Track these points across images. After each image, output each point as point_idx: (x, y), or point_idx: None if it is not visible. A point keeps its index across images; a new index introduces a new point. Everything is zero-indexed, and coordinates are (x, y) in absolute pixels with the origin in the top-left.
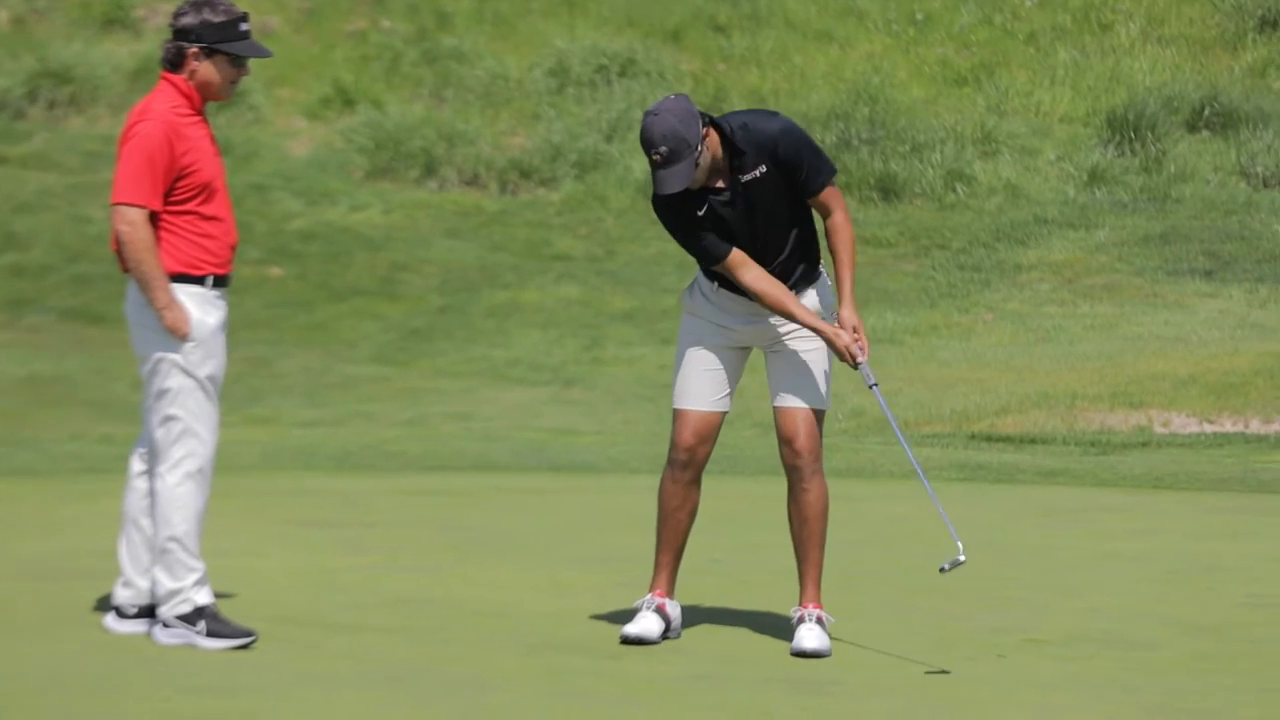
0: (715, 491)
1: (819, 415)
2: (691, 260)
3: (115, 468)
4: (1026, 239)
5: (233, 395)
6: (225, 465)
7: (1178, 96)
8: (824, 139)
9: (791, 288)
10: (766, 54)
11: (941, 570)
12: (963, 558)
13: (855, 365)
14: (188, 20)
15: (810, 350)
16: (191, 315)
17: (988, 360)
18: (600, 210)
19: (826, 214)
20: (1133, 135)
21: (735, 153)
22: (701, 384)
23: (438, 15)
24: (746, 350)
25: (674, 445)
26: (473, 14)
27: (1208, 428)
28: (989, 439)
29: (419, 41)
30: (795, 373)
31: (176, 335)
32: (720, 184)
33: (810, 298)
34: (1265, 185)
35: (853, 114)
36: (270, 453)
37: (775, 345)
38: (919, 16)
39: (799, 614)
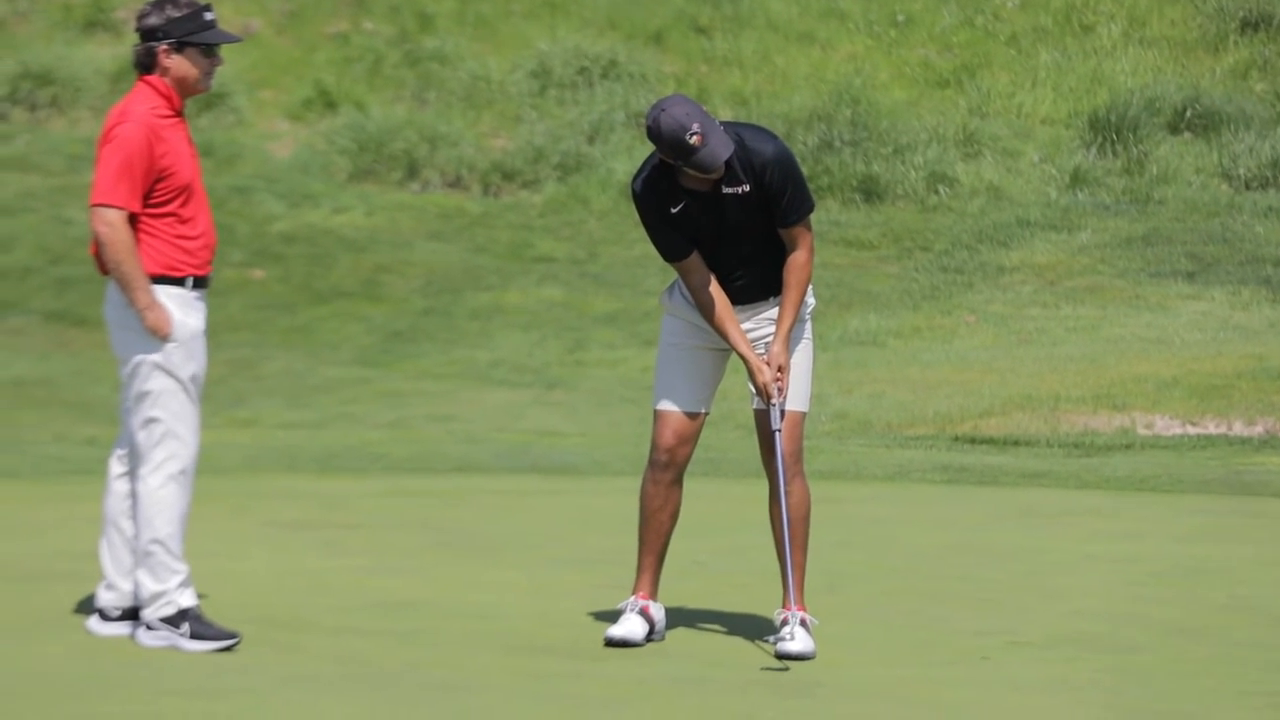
0: (698, 493)
1: (800, 418)
2: None
3: (98, 469)
4: (1009, 241)
5: (215, 397)
6: (208, 467)
7: (1159, 98)
8: (806, 141)
9: (750, 303)
10: (748, 55)
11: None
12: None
13: (768, 404)
14: (152, 20)
15: (791, 352)
16: (173, 316)
17: (971, 362)
18: (583, 212)
19: (792, 249)
20: (1114, 137)
21: (730, 157)
22: (682, 385)
23: (419, 17)
24: (727, 352)
25: (654, 446)
26: (455, 16)
27: (1191, 430)
28: (972, 441)
29: (401, 43)
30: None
31: (158, 336)
32: (703, 188)
33: (774, 307)
34: (1247, 187)
35: (835, 116)
36: (253, 455)
37: (755, 348)
38: (900, 18)
39: (783, 616)
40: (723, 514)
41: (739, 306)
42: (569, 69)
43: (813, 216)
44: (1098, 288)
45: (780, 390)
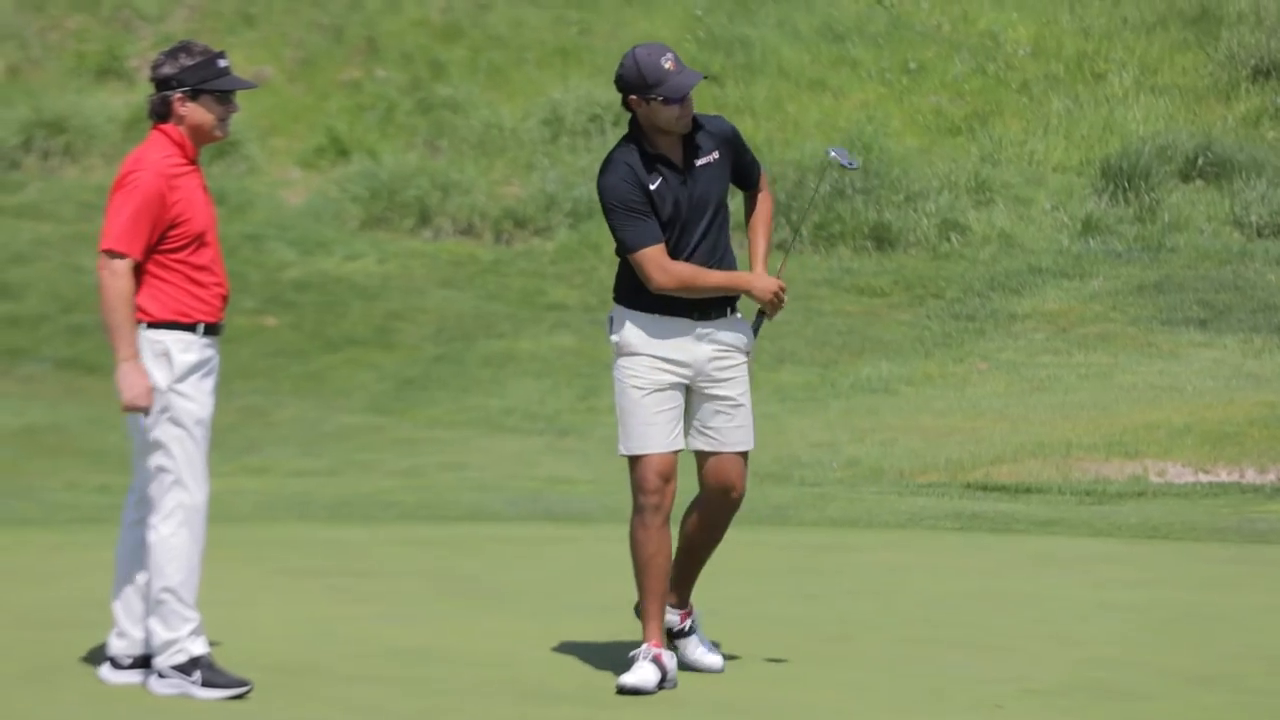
0: None
1: (747, 457)
2: None
3: (110, 517)
4: (1021, 288)
5: (227, 445)
6: (220, 515)
7: (1171, 146)
8: (818, 188)
9: (716, 317)
10: (760, 103)
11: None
12: (854, 164)
13: (771, 317)
14: (167, 69)
15: (742, 392)
16: (151, 390)
17: (983, 409)
18: (594, 259)
19: (756, 197)
20: (1126, 185)
21: (694, 130)
22: (658, 425)
23: (432, 65)
24: (685, 385)
25: (641, 491)
26: (467, 64)
27: (1203, 477)
28: (984, 488)
29: (413, 91)
30: (733, 418)
31: (125, 398)
32: (674, 155)
33: (743, 328)
34: (1259, 235)
35: None
36: (265, 502)
37: (710, 385)
38: (912, 66)
39: (689, 625)
40: (733, 561)
41: (704, 322)
42: (581, 116)
43: (824, 264)
44: (1110, 335)
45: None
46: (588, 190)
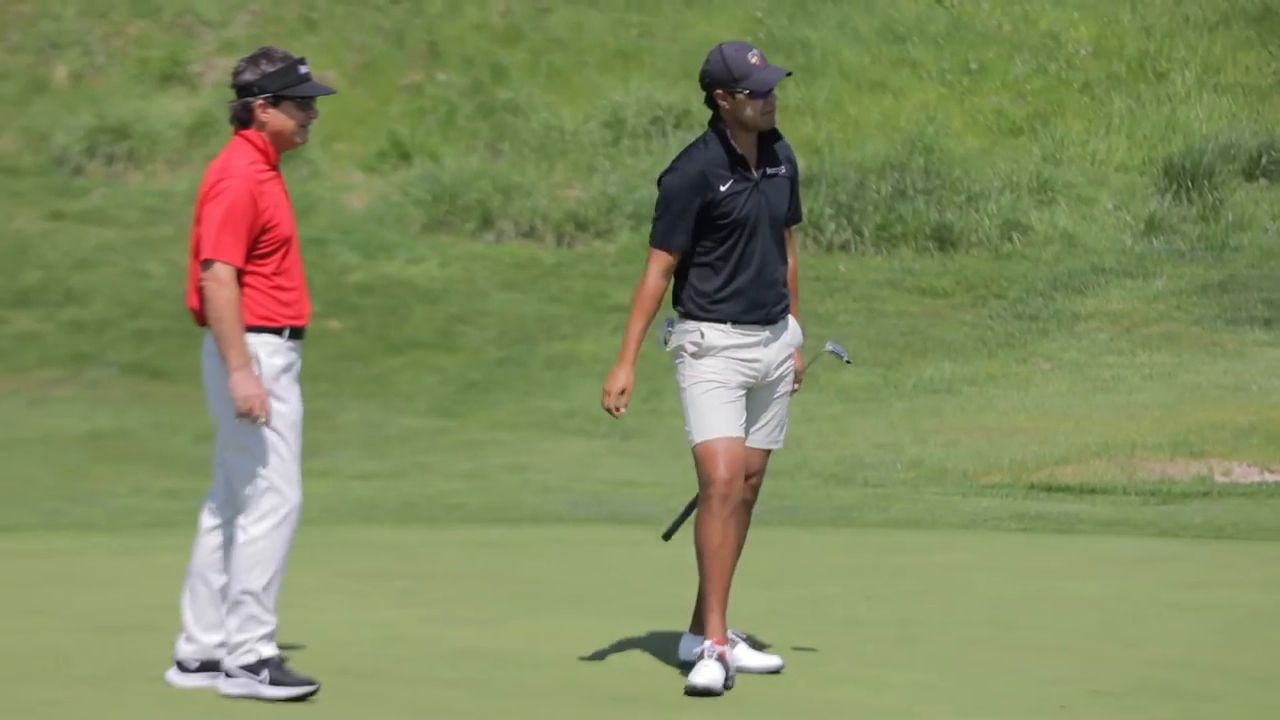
0: (772, 542)
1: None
2: None
3: (177, 521)
4: (1084, 288)
5: None
6: None
7: (1235, 145)
8: (879, 189)
9: (779, 320)
10: (821, 104)
11: (829, 350)
12: (847, 359)
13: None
14: (248, 75)
15: (787, 390)
16: (267, 398)
17: (1046, 410)
18: None
19: (787, 251)
20: (1190, 184)
21: (772, 138)
22: (730, 415)
23: (493, 68)
24: (750, 391)
25: (710, 481)
26: (528, 67)
27: (1269, 477)
28: (1048, 489)
29: (474, 94)
30: (776, 417)
31: (241, 409)
32: (750, 155)
33: (795, 327)
34: None
35: (908, 164)
36: (330, 505)
37: (768, 383)
38: (973, 66)
39: (736, 638)
40: (797, 563)
41: (772, 328)
42: (642, 119)
43: (886, 264)
44: (1174, 335)
45: (618, 411)
46: (649, 192)
